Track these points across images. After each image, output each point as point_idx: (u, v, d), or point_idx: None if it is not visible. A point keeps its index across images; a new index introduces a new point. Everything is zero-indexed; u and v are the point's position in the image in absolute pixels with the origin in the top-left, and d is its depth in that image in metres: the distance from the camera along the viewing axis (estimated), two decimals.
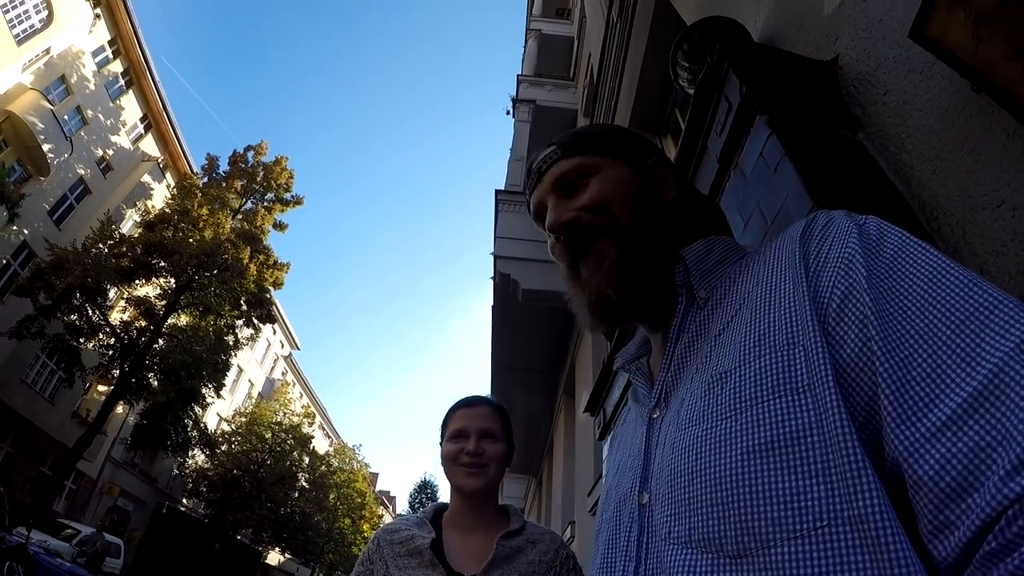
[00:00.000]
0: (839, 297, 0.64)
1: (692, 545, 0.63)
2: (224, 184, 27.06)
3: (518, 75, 13.56)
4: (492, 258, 9.34)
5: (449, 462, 1.78)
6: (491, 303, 10.14)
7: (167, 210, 24.60)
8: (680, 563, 0.63)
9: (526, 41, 16.50)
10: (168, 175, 32.06)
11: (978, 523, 0.45)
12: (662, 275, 0.90)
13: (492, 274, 9.48)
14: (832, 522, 0.53)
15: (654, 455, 0.78)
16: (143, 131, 30.29)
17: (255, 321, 25.78)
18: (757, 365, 0.66)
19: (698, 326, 0.83)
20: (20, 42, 21.14)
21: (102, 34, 26.08)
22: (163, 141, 31.65)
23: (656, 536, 0.70)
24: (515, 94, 13.23)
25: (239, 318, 24.94)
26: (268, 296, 25.78)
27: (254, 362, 44.43)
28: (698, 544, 0.62)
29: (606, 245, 0.90)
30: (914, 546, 0.49)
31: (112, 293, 22.52)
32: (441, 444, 1.86)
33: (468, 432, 1.78)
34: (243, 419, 36.52)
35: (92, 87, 25.77)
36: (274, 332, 46.45)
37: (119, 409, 24.25)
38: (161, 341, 22.80)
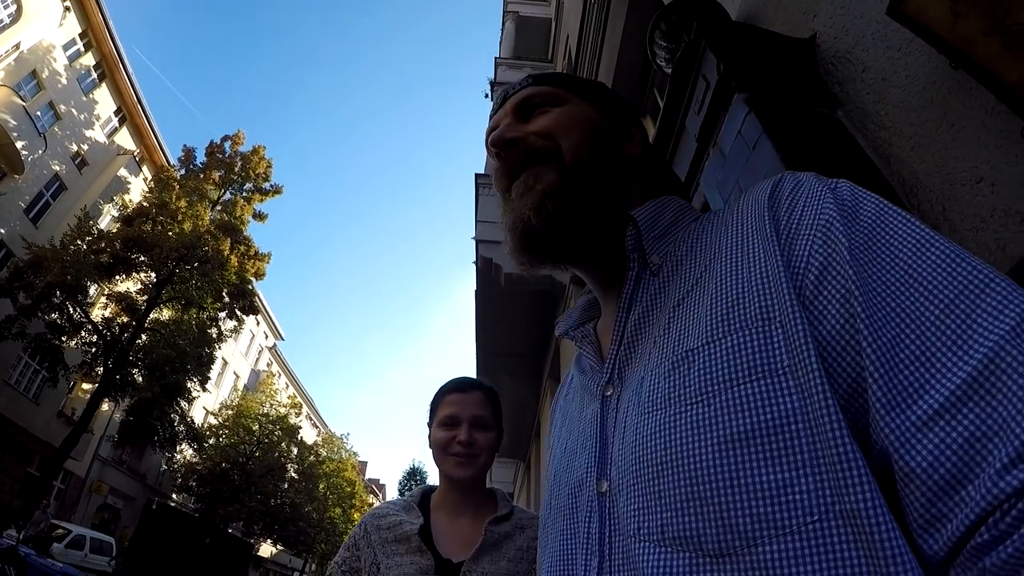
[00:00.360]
0: (817, 268, 0.60)
1: (666, 543, 0.57)
2: (202, 175, 26.79)
3: (496, 58, 13.49)
4: (474, 243, 9.32)
5: (439, 450, 1.76)
6: (474, 288, 10.13)
7: (145, 204, 24.38)
8: (654, 563, 0.57)
9: (503, 23, 16.39)
10: (145, 168, 31.72)
11: (972, 518, 0.44)
12: (604, 223, 0.84)
13: (474, 259, 9.46)
14: (824, 516, 0.50)
15: (612, 439, 0.71)
16: (118, 124, 29.93)
17: (238, 313, 25.61)
18: (729, 342, 0.61)
19: (653, 294, 0.77)
20: None
21: (73, 27, 25.64)
22: (138, 134, 31.28)
23: (622, 531, 0.64)
24: (493, 77, 13.16)
25: (222, 310, 24.80)
26: (250, 287, 25.66)
27: (239, 354, 44.29)
28: (672, 542, 0.57)
29: (544, 170, 0.84)
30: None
31: (93, 290, 22.34)
32: (430, 426, 1.84)
33: (459, 419, 1.76)
34: (230, 412, 36.48)
35: (64, 81, 25.37)
36: (257, 323, 46.30)
37: (104, 406, 24.12)
38: (144, 336, 22.66)
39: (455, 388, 1.85)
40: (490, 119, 0.99)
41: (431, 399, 1.90)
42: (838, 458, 0.50)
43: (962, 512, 0.45)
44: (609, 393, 0.76)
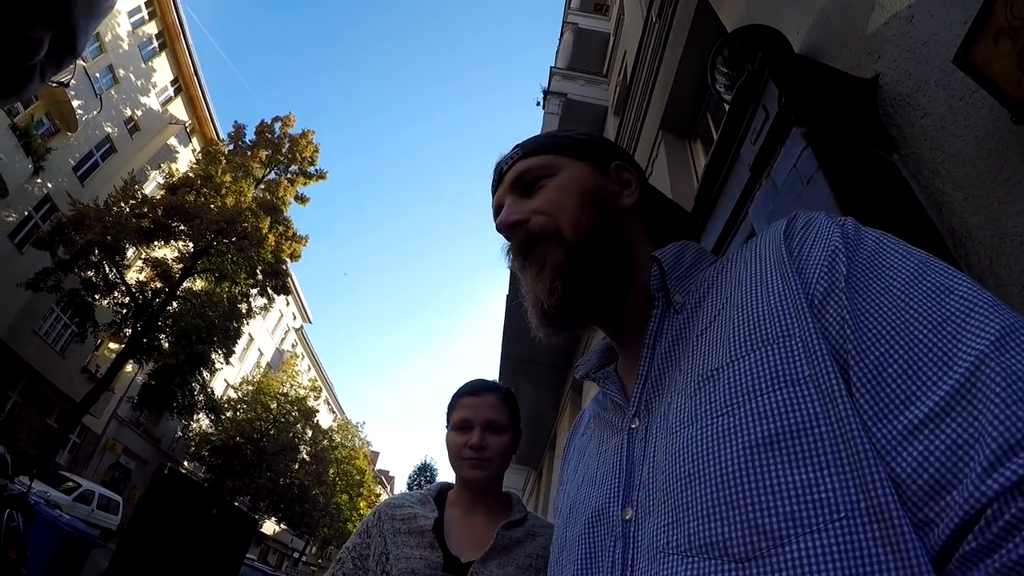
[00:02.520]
0: (822, 292, 0.63)
1: (692, 553, 0.57)
2: (249, 153, 27.23)
3: (551, 67, 13.48)
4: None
5: (453, 454, 1.77)
6: (505, 294, 10.13)
7: (191, 174, 24.78)
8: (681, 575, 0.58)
9: (561, 34, 16.40)
10: (194, 140, 32.22)
11: (957, 520, 0.46)
12: (613, 285, 0.88)
13: (508, 263, 9.46)
14: (850, 514, 0.50)
15: (639, 467, 0.73)
16: (172, 94, 30.42)
17: (270, 291, 25.89)
18: (752, 359, 0.63)
19: (677, 331, 0.80)
20: None
21: None
22: (192, 106, 31.80)
23: (647, 552, 0.64)
24: (547, 86, 13.16)
25: (254, 287, 25.05)
26: (284, 268, 25.92)
27: (265, 332, 44.71)
28: (699, 551, 0.57)
29: (550, 248, 0.88)
30: None
31: (130, 252, 22.71)
32: (447, 429, 1.84)
33: (472, 423, 1.76)
34: (250, 387, 36.88)
35: (125, 47, 25.87)
36: (287, 304, 46.64)
37: (128, 368, 24.50)
38: (175, 304, 22.98)
39: (469, 392, 1.85)
40: (492, 195, 1.04)
41: (447, 402, 1.90)
42: (859, 458, 0.52)
43: (948, 515, 0.47)
44: (636, 426, 0.78)
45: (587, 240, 0.88)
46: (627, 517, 0.70)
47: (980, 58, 1.41)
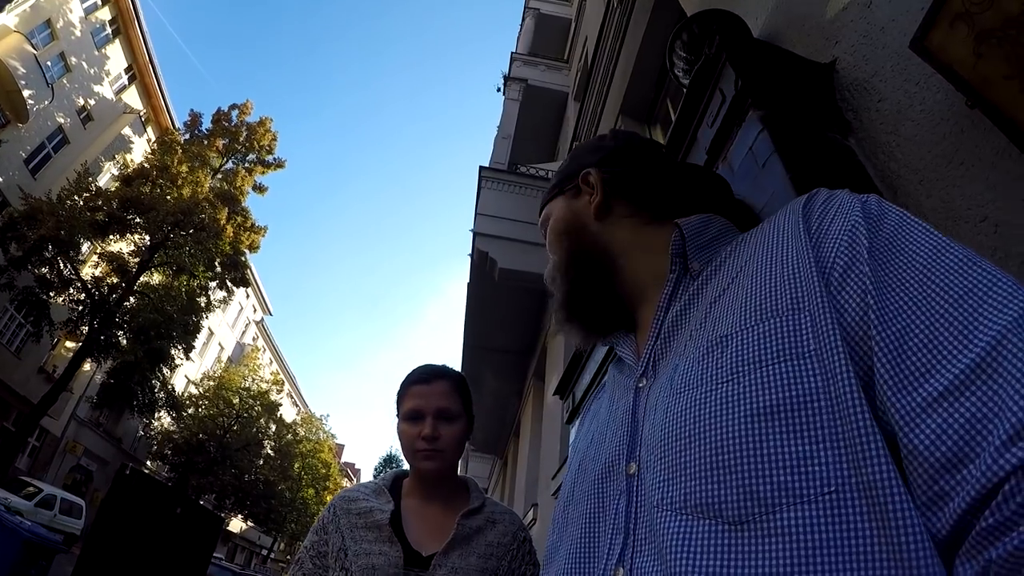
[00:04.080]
0: (842, 267, 0.64)
1: (688, 511, 0.60)
2: (206, 142, 26.60)
3: (512, 52, 13.47)
4: (471, 235, 9.32)
5: (405, 444, 1.73)
6: (467, 281, 10.13)
7: (146, 165, 24.14)
8: (674, 531, 0.60)
9: (523, 19, 16.37)
10: (149, 129, 31.54)
11: (973, 494, 0.46)
12: (597, 289, 0.98)
13: (470, 251, 9.46)
14: (840, 488, 0.52)
15: (642, 423, 0.76)
16: (127, 82, 29.76)
17: (229, 284, 25.44)
18: (761, 329, 0.66)
19: (690, 295, 0.83)
20: None
21: None
22: (147, 94, 31.11)
23: (646, 506, 0.67)
24: (507, 71, 13.15)
25: (213, 280, 24.61)
26: (243, 259, 25.53)
27: (225, 325, 44.18)
28: (694, 510, 0.60)
29: (556, 280, 1.04)
30: None
31: (85, 247, 22.12)
32: (398, 419, 1.79)
33: (423, 413, 1.71)
34: (211, 383, 36.38)
35: (78, 33, 25.20)
36: (247, 296, 46.23)
37: (86, 367, 23.97)
38: (132, 299, 22.45)
39: (418, 379, 1.79)
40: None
41: (396, 391, 1.84)
42: (857, 435, 0.54)
43: (964, 489, 0.47)
44: (642, 385, 0.81)
45: (568, 268, 1.02)
46: (631, 472, 0.73)
47: (936, 43, 1.42)
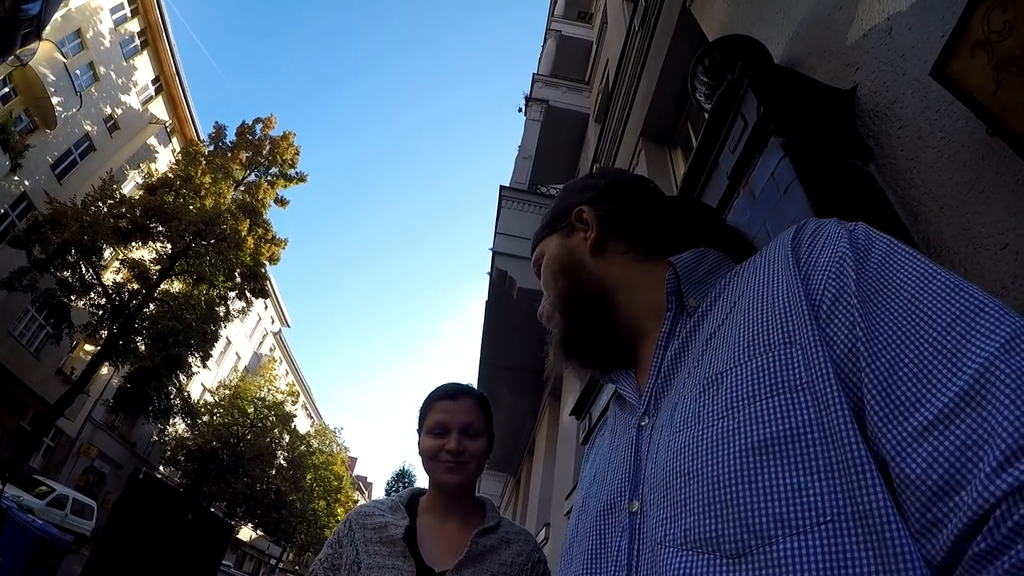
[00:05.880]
0: (830, 299, 0.64)
1: (688, 547, 0.61)
2: (229, 154, 27.02)
3: (534, 74, 13.55)
4: (490, 254, 9.34)
5: (428, 457, 1.74)
6: (485, 299, 10.15)
7: (170, 175, 24.50)
8: (675, 567, 0.61)
9: (545, 41, 16.47)
10: (174, 140, 31.88)
11: (965, 520, 0.46)
12: (595, 326, 0.99)
13: (489, 269, 9.48)
14: (836, 517, 0.53)
15: (644, 462, 0.77)
16: (153, 93, 30.12)
17: (248, 294, 25.61)
18: (754, 365, 0.66)
19: (688, 332, 0.84)
20: None
21: None
22: (172, 105, 31.47)
23: (649, 542, 0.68)
24: (529, 92, 13.21)
25: (232, 290, 24.82)
26: (263, 270, 25.68)
27: (243, 335, 44.38)
28: (694, 545, 0.60)
29: (553, 323, 1.05)
30: None
31: (107, 253, 22.34)
32: (419, 433, 1.82)
33: (449, 428, 1.74)
34: (227, 391, 36.54)
35: (107, 44, 25.61)
36: (265, 307, 46.46)
37: (104, 370, 24.22)
38: (152, 306, 22.71)
39: (444, 395, 1.82)
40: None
41: (420, 406, 1.87)
42: (851, 464, 0.54)
43: (956, 516, 0.47)
44: (644, 423, 0.82)
45: (567, 306, 1.02)
46: (634, 510, 0.74)
47: (957, 71, 1.43)
